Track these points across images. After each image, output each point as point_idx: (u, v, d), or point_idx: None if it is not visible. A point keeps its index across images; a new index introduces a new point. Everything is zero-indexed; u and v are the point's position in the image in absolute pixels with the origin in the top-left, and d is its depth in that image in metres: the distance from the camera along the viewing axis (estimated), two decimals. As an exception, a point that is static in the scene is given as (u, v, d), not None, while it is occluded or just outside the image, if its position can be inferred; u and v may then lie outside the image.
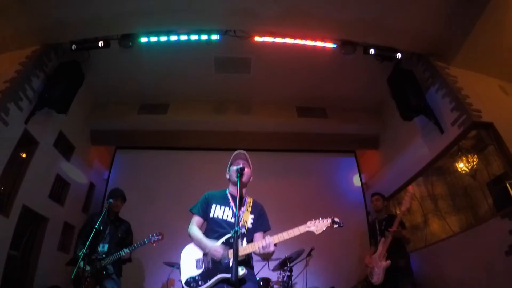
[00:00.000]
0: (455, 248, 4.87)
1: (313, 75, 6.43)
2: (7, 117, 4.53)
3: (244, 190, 2.92)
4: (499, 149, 4.45)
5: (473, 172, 4.81)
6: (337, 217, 6.57)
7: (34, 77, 5.05)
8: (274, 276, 5.25)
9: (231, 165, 2.91)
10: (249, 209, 2.85)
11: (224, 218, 2.77)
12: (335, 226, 2.52)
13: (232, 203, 2.82)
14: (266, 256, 2.53)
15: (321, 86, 6.72)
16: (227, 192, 2.94)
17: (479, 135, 4.77)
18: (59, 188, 6.13)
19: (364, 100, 7.05)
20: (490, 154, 4.64)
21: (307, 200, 6.80)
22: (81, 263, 3.75)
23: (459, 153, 5.04)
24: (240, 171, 2.68)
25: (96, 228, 3.62)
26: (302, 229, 2.53)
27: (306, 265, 5.72)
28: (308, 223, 2.53)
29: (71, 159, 6.36)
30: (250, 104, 7.21)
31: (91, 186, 7.28)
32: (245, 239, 2.60)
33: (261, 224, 2.84)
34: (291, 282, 4.92)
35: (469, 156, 4.88)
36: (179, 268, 4.40)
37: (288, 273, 4.92)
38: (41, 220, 5.61)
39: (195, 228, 2.78)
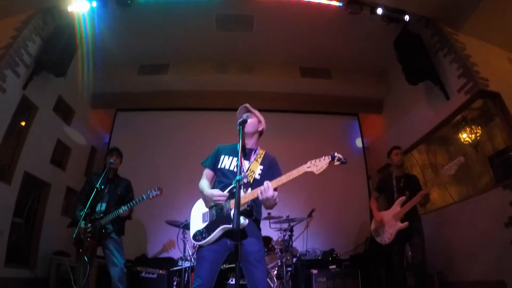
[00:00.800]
0: (454, 217, 4.94)
1: (317, 34, 6.20)
2: (4, 84, 4.50)
3: (254, 141, 2.91)
4: (504, 120, 4.39)
5: (475, 143, 4.77)
6: (338, 178, 6.69)
7: (30, 42, 4.94)
8: (275, 236, 5.41)
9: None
10: (259, 160, 2.82)
11: (231, 168, 2.76)
12: (337, 162, 2.28)
13: (240, 155, 2.73)
14: (267, 203, 2.43)
15: (325, 46, 6.51)
16: (239, 143, 2.85)
17: (485, 107, 4.69)
18: (60, 153, 6.18)
19: (369, 62, 6.86)
20: (494, 127, 4.58)
21: (308, 161, 6.81)
22: (82, 224, 3.74)
23: (463, 123, 4.98)
24: (242, 124, 2.67)
25: (97, 188, 3.60)
26: (301, 170, 2.37)
27: (306, 226, 5.92)
28: (308, 163, 2.35)
29: (71, 124, 6.35)
30: (252, 64, 7.04)
31: (93, 150, 7.32)
32: (249, 189, 2.56)
33: (272, 175, 2.66)
34: (292, 241, 5.01)
35: (473, 127, 4.82)
36: (184, 227, 4.62)
37: (289, 233, 4.98)
38: (43, 186, 5.71)
39: (203, 180, 2.80)
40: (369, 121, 7.87)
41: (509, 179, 4.07)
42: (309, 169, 2.34)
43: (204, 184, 2.76)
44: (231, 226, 2.39)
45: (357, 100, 7.26)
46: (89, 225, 3.79)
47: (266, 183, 2.37)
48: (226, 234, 2.55)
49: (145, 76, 6.85)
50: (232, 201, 2.49)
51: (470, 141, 4.89)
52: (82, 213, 3.58)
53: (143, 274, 5.15)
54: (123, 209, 3.98)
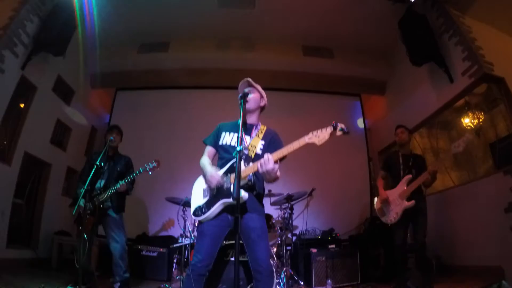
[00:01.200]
0: (454, 201, 4.96)
1: (321, 12, 6.07)
2: (3, 65, 4.48)
3: (255, 117, 2.88)
4: (508, 105, 4.35)
5: (477, 129, 4.74)
6: (339, 159, 6.68)
7: (28, 22, 4.87)
8: (275, 214, 5.38)
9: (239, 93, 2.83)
10: (260, 135, 2.79)
11: (232, 144, 2.74)
12: (339, 133, 2.19)
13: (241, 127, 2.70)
14: (268, 176, 2.36)
15: (329, 25, 6.37)
16: (239, 120, 2.79)
17: (488, 93, 4.63)
18: (61, 133, 6.20)
19: (373, 43, 6.70)
20: (498, 114, 4.54)
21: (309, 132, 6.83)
22: (81, 202, 3.77)
23: (466, 108, 4.94)
24: (243, 97, 2.62)
25: (96, 165, 3.56)
26: (302, 141, 2.29)
27: (306, 206, 5.97)
28: (309, 134, 2.28)
29: (71, 103, 6.34)
30: (254, 41, 6.94)
31: (93, 129, 7.33)
32: (251, 163, 2.53)
33: (274, 149, 2.57)
34: (292, 220, 5.00)
35: (476, 112, 4.78)
36: (184, 205, 4.64)
37: (289, 211, 4.93)
38: (43, 166, 5.76)
39: (204, 158, 2.78)
40: (371, 102, 7.80)
41: (511, 165, 4.04)
42: (310, 140, 2.26)
43: (205, 161, 2.75)
44: (231, 200, 2.37)
45: (359, 80, 7.17)
46: (88, 202, 3.77)
47: (266, 155, 2.31)
48: (226, 209, 2.55)
49: (145, 54, 6.78)
50: (233, 175, 2.47)
51: (472, 126, 4.86)
52: (82, 191, 3.56)
53: (143, 252, 5.28)
54: (120, 184, 3.95)
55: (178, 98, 7.27)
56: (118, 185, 3.95)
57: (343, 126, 2.20)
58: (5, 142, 4.80)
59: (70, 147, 6.38)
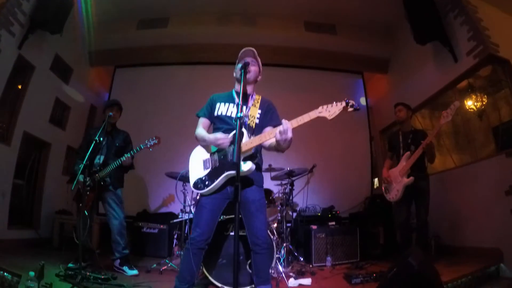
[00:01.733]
0: (455, 182, 4.96)
1: (324, -13, 5.93)
2: (0, 44, 4.41)
3: (251, 88, 2.83)
4: (512, 87, 4.29)
5: (480, 112, 4.71)
6: (340, 136, 6.67)
7: (24, 1, 4.79)
8: (275, 190, 5.41)
9: (238, 62, 2.78)
10: (257, 104, 2.77)
11: (228, 114, 2.72)
12: (350, 109, 2.20)
13: (237, 100, 2.73)
14: (284, 144, 2.29)
15: (332, 0, 6.26)
16: (233, 91, 2.86)
17: (493, 76, 4.56)
18: (60, 112, 6.19)
19: (377, 20, 6.58)
20: (502, 98, 4.47)
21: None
22: (81, 177, 3.72)
23: (469, 90, 4.89)
24: (244, 67, 2.58)
25: (95, 140, 3.49)
26: (312, 114, 2.26)
27: (307, 182, 5.99)
28: (320, 108, 2.25)
29: (69, 82, 6.30)
30: (255, 16, 6.84)
31: (92, 108, 7.30)
32: (252, 135, 2.55)
33: (271, 119, 2.70)
34: (292, 196, 5.04)
35: (479, 95, 4.72)
36: (181, 179, 4.65)
37: (290, 187, 4.95)
38: (43, 146, 5.79)
39: (200, 129, 2.75)
40: (374, 80, 7.71)
41: (513, 147, 4.01)
42: (321, 114, 2.24)
43: (203, 131, 2.71)
44: (235, 172, 2.24)
45: (362, 58, 7.07)
46: (88, 178, 3.73)
47: (285, 123, 2.24)
48: (229, 181, 2.53)
49: (145, 30, 6.69)
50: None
51: (475, 109, 4.81)
52: (81, 166, 3.49)
53: (144, 229, 5.36)
54: (125, 157, 3.94)
55: (179, 74, 7.19)
56: (123, 158, 3.94)
57: (353, 102, 2.19)
58: (3, 125, 4.81)
59: (70, 126, 6.38)
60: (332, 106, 2.21)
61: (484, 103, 4.69)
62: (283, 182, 4.98)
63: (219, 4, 6.52)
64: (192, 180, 2.65)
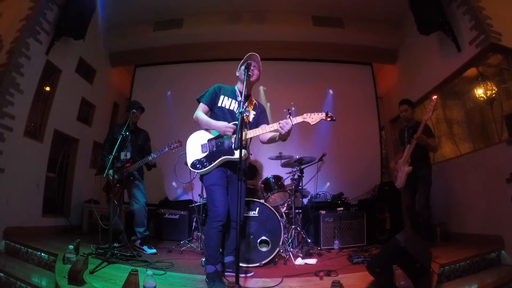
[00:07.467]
0: (460, 169, 5.02)
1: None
2: (29, 52, 4.83)
3: (251, 88, 3.31)
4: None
5: (490, 101, 4.68)
6: (350, 127, 6.86)
7: (48, 10, 5.18)
8: (285, 177, 5.53)
9: (242, 64, 3.18)
10: (252, 106, 3.22)
11: (231, 108, 3.11)
12: (329, 119, 2.73)
13: (239, 98, 3.14)
14: (283, 136, 2.80)
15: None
16: (236, 87, 3.27)
17: (502, 64, 4.50)
18: (86, 110, 6.67)
19: (383, 11, 6.64)
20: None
21: (321, 109, 6.94)
22: (111, 171, 4.12)
23: (479, 78, 4.88)
24: (248, 67, 2.98)
25: (122, 134, 3.88)
26: (299, 119, 2.76)
27: (318, 170, 6.16)
28: (305, 115, 2.76)
29: (93, 82, 6.75)
30: (264, 13, 6.96)
31: (115, 105, 7.81)
32: (246, 129, 2.98)
33: (263, 120, 3.21)
34: (302, 182, 5.19)
35: (489, 83, 4.71)
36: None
37: (299, 173, 5.09)
38: (72, 142, 6.28)
39: (201, 113, 3.14)
40: (383, 71, 7.81)
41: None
42: (305, 120, 2.76)
43: (205, 116, 3.11)
44: (232, 156, 2.90)
45: (370, 49, 7.17)
46: (116, 174, 4.28)
47: (289, 119, 2.72)
48: (224, 164, 2.98)
49: (161, 32, 6.98)
50: (234, 136, 2.90)
51: (485, 97, 4.82)
52: (111, 157, 3.85)
53: (166, 215, 5.76)
54: (152, 156, 4.51)
55: (194, 71, 7.46)
56: (150, 158, 4.50)
57: (331, 114, 2.74)
58: (32, 124, 5.21)
59: (95, 122, 6.87)
60: (315, 114, 2.75)
61: (494, 91, 4.66)
62: (293, 169, 5.13)
63: (229, 3, 6.74)
64: (190, 161, 3.05)
